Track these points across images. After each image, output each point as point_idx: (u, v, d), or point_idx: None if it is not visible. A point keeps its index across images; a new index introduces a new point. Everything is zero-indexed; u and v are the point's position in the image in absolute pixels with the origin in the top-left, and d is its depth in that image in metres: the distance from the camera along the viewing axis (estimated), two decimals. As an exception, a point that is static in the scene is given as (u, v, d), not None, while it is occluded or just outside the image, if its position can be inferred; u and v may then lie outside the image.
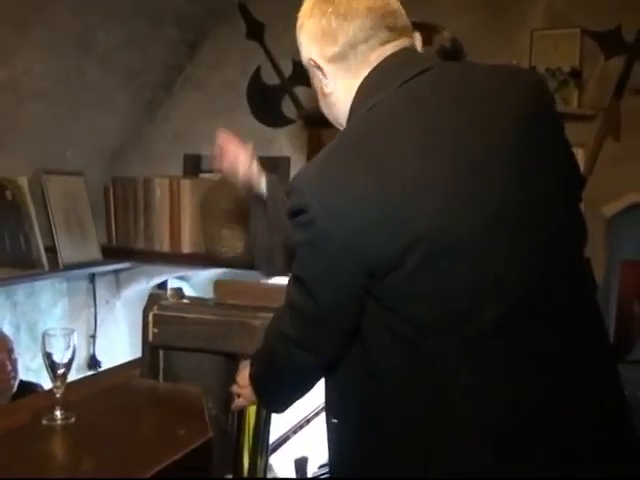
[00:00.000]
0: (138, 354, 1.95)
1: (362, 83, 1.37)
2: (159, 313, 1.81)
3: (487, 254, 1.25)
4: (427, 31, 2.34)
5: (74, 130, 3.52)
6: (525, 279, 1.28)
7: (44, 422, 1.55)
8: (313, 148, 3.59)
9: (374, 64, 1.37)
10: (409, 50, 1.41)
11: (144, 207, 3.66)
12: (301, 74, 3.65)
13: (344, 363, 1.37)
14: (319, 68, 1.41)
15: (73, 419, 1.56)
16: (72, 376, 1.70)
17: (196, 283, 4.19)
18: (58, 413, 1.57)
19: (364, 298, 1.28)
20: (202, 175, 3.80)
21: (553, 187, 1.34)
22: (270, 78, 3.77)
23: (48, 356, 1.58)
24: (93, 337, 3.80)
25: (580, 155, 3.32)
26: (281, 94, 3.75)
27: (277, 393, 1.56)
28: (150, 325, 1.80)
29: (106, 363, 3.71)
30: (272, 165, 3.87)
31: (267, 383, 1.56)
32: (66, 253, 3.42)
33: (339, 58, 1.38)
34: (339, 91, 1.42)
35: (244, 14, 3.78)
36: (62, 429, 1.53)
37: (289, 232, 1.33)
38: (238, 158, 2.02)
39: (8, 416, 1.66)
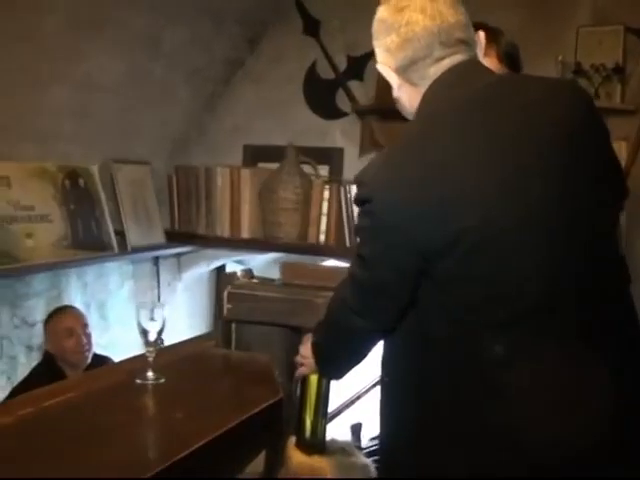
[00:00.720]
0: (196, 334, 2.23)
1: (425, 94, 1.62)
2: (233, 291, 2.09)
3: (526, 246, 1.49)
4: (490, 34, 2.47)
5: (141, 122, 3.78)
6: (557, 271, 1.50)
7: (138, 381, 1.85)
8: (365, 140, 3.83)
9: (433, 77, 1.60)
10: (465, 64, 1.63)
11: (205, 195, 3.93)
12: (355, 69, 3.95)
13: (400, 330, 1.62)
14: (389, 74, 1.66)
15: (163, 380, 1.85)
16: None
17: (253, 267, 4.47)
18: (150, 374, 1.86)
19: (419, 278, 1.54)
20: (261, 164, 4.08)
21: (594, 191, 1.56)
22: (325, 72, 4.01)
23: (142, 325, 1.87)
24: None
25: (623, 148, 3.51)
26: (336, 88, 3.99)
27: (335, 359, 1.82)
28: (225, 301, 2.08)
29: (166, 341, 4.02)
30: (326, 155, 4.15)
31: (327, 349, 1.82)
32: (133, 237, 3.71)
33: (402, 71, 1.63)
34: (404, 98, 1.67)
35: (301, 11, 4.03)
36: (153, 387, 1.82)
37: (356, 216, 1.59)
38: None
39: (107, 376, 1.96)
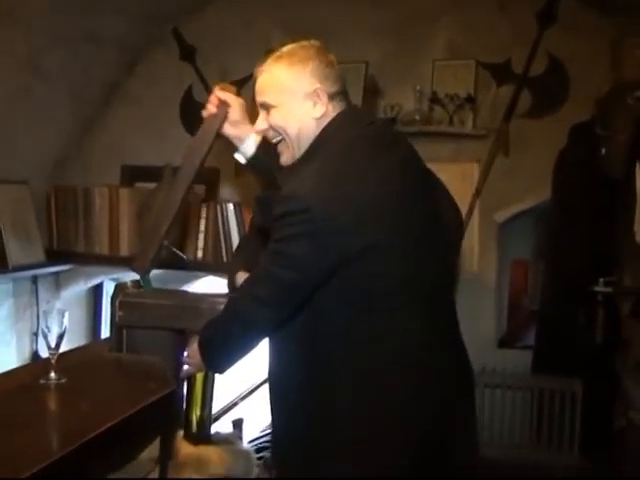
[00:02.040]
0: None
1: (330, 123, 2.04)
2: (124, 300, 2.38)
3: (421, 250, 1.99)
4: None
5: (20, 142, 3.98)
6: (432, 272, 2.02)
7: (41, 382, 2.11)
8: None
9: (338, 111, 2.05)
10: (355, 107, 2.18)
11: (84, 214, 4.17)
12: (230, 94, 4.28)
13: (294, 324, 1.99)
14: (319, 99, 2.04)
15: (64, 380, 2.11)
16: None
17: (132, 284, 4.70)
18: (53, 374, 2.12)
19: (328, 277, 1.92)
20: (138, 184, 4.35)
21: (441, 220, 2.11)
22: (201, 96, 4.34)
23: (45, 329, 2.13)
24: (35, 334, 4.26)
25: (475, 169, 4.01)
26: (211, 111, 4.33)
27: (223, 354, 2.13)
28: (117, 309, 2.37)
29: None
30: (203, 175, 4.44)
31: (216, 344, 2.11)
32: (14, 255, 3.90)
33: (333, 97, 2.06)
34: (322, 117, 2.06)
35: (177, 38, 4.36)
36: (56, 386, 2.08)
37: (274, 229, 1.93)
38: (230, 108, 2.39)
39: (10, 378, 2.21)
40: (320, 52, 2.07)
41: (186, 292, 2.71)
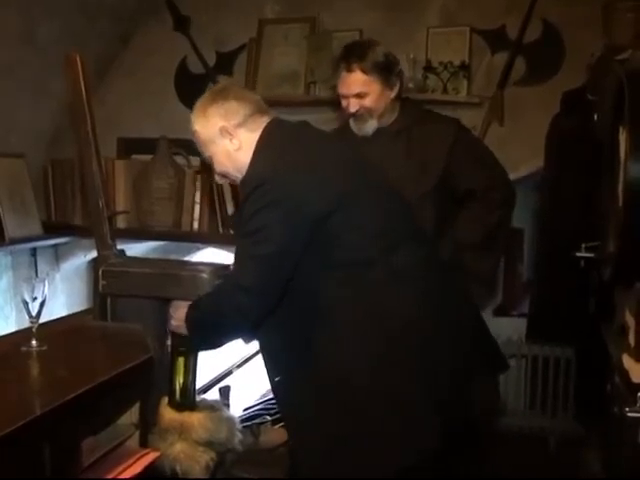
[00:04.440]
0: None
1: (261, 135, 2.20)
2: (107, 269, 2.43)
3: (377, 207, 2.16)
4: (362, 48, 2.89)
5: (16, 115, 4.05)
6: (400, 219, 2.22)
7: (23, 349, 2.17)
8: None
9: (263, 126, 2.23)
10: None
11: (80, 186, 4.23)
12: (224, 64, 4.31)
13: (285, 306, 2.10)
14: (229, 134, 2.20)
15: (45, 347, 2.17)
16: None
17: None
18: (34, 342, 2.18)
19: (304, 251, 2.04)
20: (134, 156, 4.39)
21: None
22: (196, 67, 4.38)
23: (24, 298, 2.19)
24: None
25: (470, 137, 4.01)
26: (206, 82, 4.35)
27: (209, 337, 2.23)
28: (100, 278, 2.42)
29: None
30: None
31: (204, 327, 2.22)
32: (11, 228, 3.97)
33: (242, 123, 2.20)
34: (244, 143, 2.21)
35: (171, 8, 4.39)
36: (37, 353, 2.15)
37: (244, 208, 2.07)
38: None
39: (-7, 346, 2.28)
40: (216, 94, 2.30)
41: (168, 261, 2.76)
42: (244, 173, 2.20)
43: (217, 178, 2.40)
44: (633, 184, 2.27)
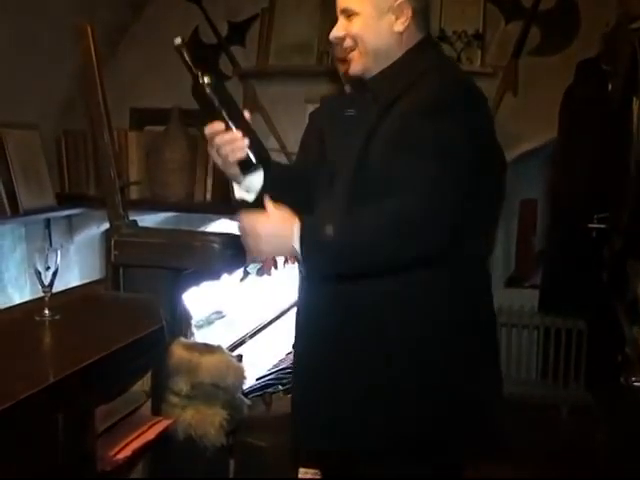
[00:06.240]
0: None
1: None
2: (119, 239, 2.45)
3: None
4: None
5: (28, 87, 4.04)
6: None
7: (37, 318, 2.19)
8: (247, 101, 4.20)
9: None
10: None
11: (94, 157, 4.25)
12: (236, 35, 4.31)
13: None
14: (403, 14, 1.99)
15: (58, 316, 2.20)
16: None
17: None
18: (47, 311, 2.20)
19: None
20: (147, 127, 4.41)
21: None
22: (208, 38, 4.37)
23: (37, 267, 2.21)
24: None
25: (484, 107, 4.00)
26: (218, 53, 4.36)
27: (340, 264, 1.90)
28: (112, 248, 2.44)
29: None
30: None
31: (343, 248, 1.87)
32: (25, 200, 3.99)
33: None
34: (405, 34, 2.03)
35: (183, -22, 4.38)
36: (50, 323, 2.17)
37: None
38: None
39: (6, 315, 2.31)
40: None
41: (180, 231, 2.77)
42: (376, 56, 2.01)
43: (334, 33, 2.05)
44: (645, 154, 2.27)
